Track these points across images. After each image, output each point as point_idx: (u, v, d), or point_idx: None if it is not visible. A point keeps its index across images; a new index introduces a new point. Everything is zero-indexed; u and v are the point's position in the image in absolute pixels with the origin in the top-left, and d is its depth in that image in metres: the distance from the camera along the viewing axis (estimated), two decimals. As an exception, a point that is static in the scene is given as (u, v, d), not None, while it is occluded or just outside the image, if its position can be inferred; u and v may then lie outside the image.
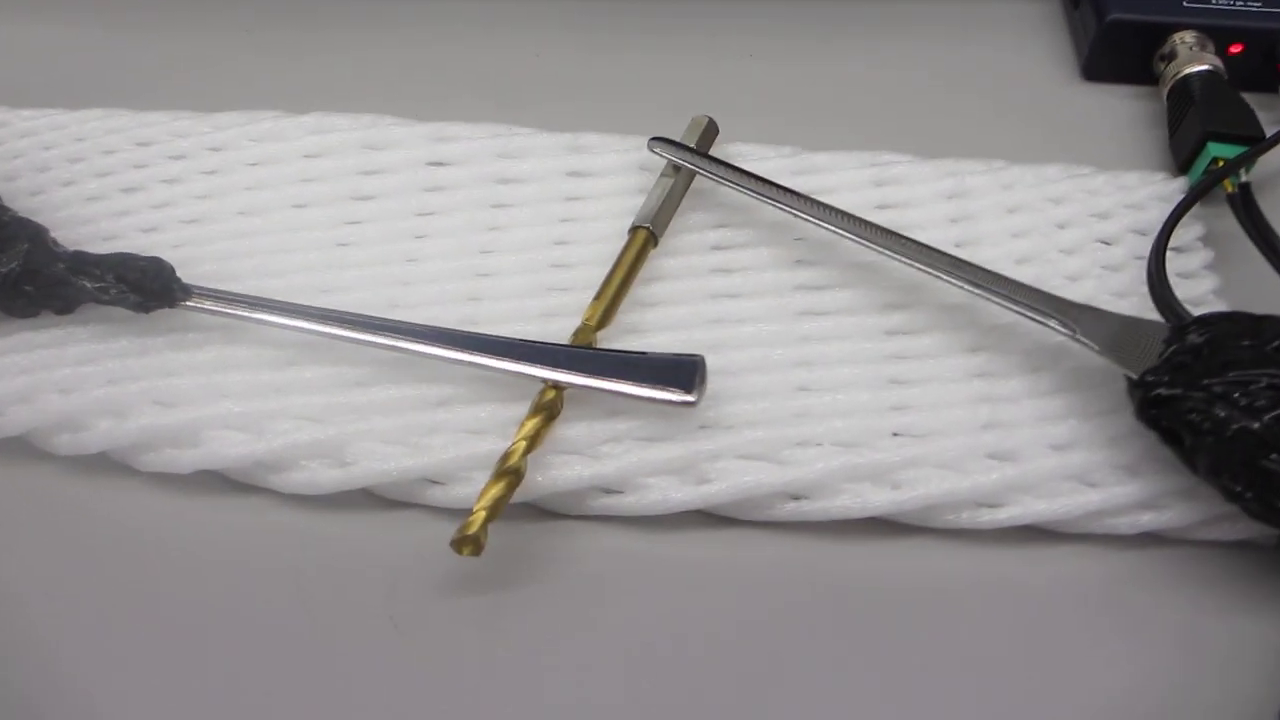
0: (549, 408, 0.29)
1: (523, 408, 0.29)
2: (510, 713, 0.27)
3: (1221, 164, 0.35)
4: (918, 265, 0.31)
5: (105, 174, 0.36)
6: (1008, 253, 0.33)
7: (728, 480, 0.29)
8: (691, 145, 0.35)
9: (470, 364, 0.30)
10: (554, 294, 0.32)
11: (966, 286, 0.30)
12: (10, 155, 0.36)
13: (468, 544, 0.27)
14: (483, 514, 0.27)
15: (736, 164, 0.34)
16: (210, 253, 0.33)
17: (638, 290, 0.32)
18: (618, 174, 0.35)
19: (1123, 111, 0.39)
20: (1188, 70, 0.37)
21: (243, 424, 0.30)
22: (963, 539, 0.29)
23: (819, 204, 0.32)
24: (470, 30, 0.42)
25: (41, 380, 0.30)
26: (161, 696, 0.27)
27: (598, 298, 0.31)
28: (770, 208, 0.33)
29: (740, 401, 0.30)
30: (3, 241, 0.31)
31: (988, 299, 0.30)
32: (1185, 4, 0.38)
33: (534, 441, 0.28)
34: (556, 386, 0.29)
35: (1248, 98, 0.36)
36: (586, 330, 0.30)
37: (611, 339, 0.31)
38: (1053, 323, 0.29)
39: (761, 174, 0.34)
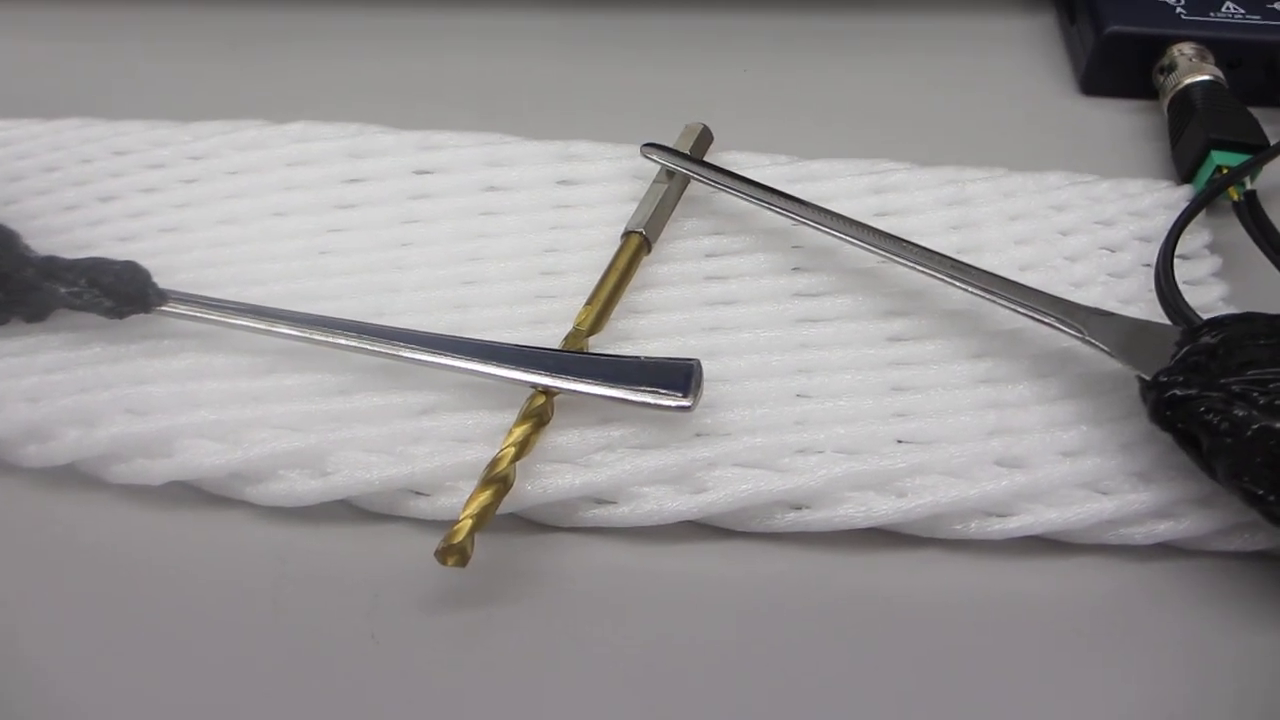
0: (538, 414, 0.28)
1: (511, 415, 0.28)
2: (497, 733, 0.26)
3: (1226, 171, 0.34)
4: (920, 269, 0.30)
5: (82, 183, 0.35)
6: (1011, 260, 0.33)
7: (725, 489, 0.28)
8: (685, 151, 0.34)
9: (456, 369, 0.29)
10: (544, 301, 0.32)
11: (971, 290, 0.30)
12: (-16, 165, 0.35)
13: (453, 554, 0.25)
14: (469, 522, 0.26)
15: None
16: (188, 261, 0.33)
17: (631, 297, 0.31)
18: (609, 182, 0.35)
19: (1122, 124, 0.39)
20: (1189, 80, 0.37)
21: (218, 433, 0.29)
22: (970, 550, 0.28)
23: (817, 208, 0.32)
24: (462, 42, 0.42)
25: (8, 389, 0.29)
26: (133, 718, 0.26)
27: (589, 302, 0.30)
28: (766, 214, 0.33)
29: (738, 408, 0.29)
30: (-31, 247, 0.31)
31: (993, 303, 0.29)
32: (1184, 16, 0.38)
33: (523, 449, 0.27)
34: (546, 392, 0.28)
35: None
36: (578, 335, 0.30)
37: (604, 345, 0.30)
38: (1061, 326, 0.29)
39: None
